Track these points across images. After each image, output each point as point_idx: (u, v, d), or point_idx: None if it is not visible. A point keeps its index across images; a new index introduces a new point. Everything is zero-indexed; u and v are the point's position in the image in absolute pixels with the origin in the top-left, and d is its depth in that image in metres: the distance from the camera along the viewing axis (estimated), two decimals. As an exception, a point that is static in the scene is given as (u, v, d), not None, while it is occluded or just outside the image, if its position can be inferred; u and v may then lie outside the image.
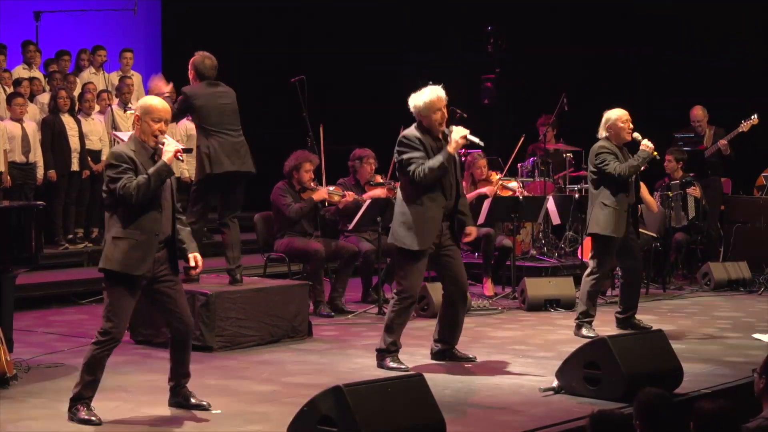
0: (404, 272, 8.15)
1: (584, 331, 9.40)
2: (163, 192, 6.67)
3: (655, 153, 9.50)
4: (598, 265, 9.50)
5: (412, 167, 7.98)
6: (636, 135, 9.49)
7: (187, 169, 12.68)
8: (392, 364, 8.11)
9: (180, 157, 6.67)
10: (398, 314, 8.17)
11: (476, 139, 8.23)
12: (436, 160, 7.96)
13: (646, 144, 9.43)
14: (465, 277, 8.36)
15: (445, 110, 8.12)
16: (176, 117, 9.32)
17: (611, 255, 9.57)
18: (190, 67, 9.31)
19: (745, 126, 13.04)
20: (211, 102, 9.12)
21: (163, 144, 6.64)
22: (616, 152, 9.39)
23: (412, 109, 8.16)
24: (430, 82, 8.25)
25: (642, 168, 9.47)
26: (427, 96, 8.08)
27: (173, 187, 6.81)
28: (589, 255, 9.68)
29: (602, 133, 9.49)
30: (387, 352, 8.18)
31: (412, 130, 8.15)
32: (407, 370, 7.95)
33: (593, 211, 9.46)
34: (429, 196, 8.04)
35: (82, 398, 6.63)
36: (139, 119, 6.70)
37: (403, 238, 8.08)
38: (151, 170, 6.55)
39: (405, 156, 8.06)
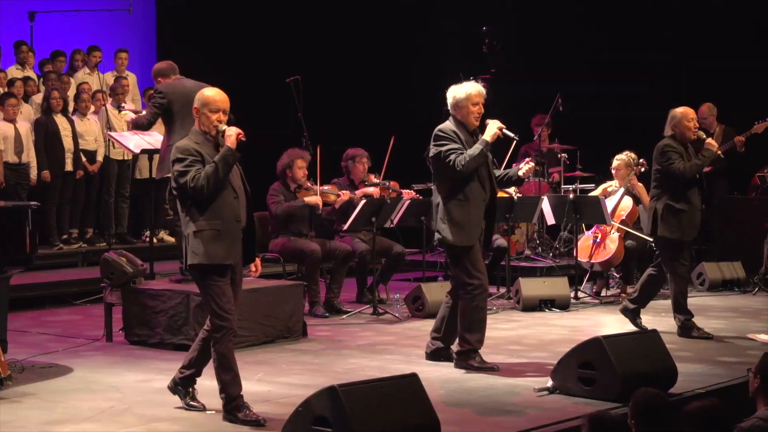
0: (462, 267, 8.08)
1: (695, 332, 9.42)
2: (234, 180, 6.64)
3: (719, 152, 9.50)
4: (672, 270, 9.39)
5: (452, 157, 7.98)
6: (701, 133, 9.48)
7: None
8: (475, 365, 8.07)
9: (243, 139, 6.61)
10: (474, 310, 8.08)
11: (511, 134, 8.27)
12: (476, 149, 7.99)
13: (711, 142, 9.43)
14: None
15: (482, 106, 8.16)
16: (154, 117, 9.42)
17: (684, 258, 9.43)
18: (153, 78, 9.69)
19: (759, 127, 13.03)
20: (186, 100, 9.08)
21: (223, 132, 6.61)
22: (681, 151, 9.31)
23: (450, 101, 8.18)
24: (471, 78, 8.30)
25: (705, 167, 9.44)
26: (468, 88, 8.14)
27: (242, 175, 6.78)
28: (658, 258, 9.56)
29: (668, 131, 9.43)
30: (473, 352, 8.11)
31: (447, 124, 8.16)
32: (496, 369, 8.00)
33: (662, 213, 9.32)
34: (470, 190, 8.05)
35: (233, 399, 6.59)
36: (198, 112, 6.69)
37: (450, 235, 8.06)
38: (217, 157, 6.51)
39: (444, 148, 8.04)
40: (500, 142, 8.32)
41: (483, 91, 8.20)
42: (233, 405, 6.59)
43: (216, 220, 6.54)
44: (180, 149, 6.62)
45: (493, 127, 8.09)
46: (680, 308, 9.50)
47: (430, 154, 8.19)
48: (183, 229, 6.73)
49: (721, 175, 13.55)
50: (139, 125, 9.82)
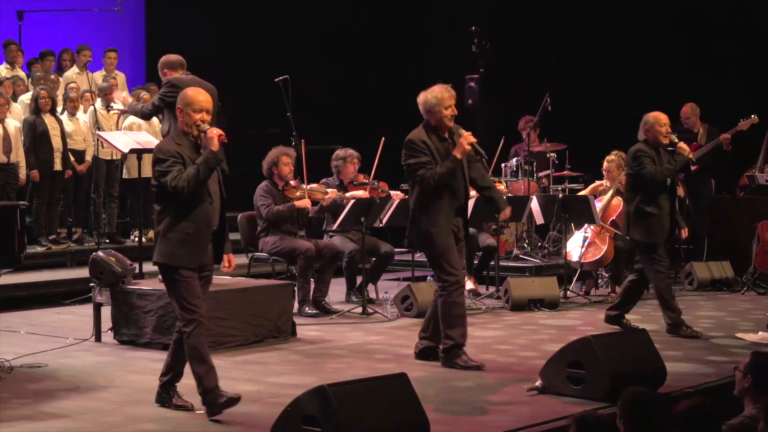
0: (437, 264, 8.13)
1: (683, 330, 9.46)
2: (211, 184, 6.66)
3: (691, 156, 9.59)
4: (651, 271, 9.47)
5: (421, 172, 8.00)
6: (673, 138, 9.55)
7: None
8: (461, 363, 8.09)
9: (224, 140, 6.63)
10: (452, 306, 8.10)
11: (481, 151, 8.27)
12: (445, 166, 7.99)
13: (683, 147, 9.50)
14: None
15: (454, 108, 8.16)
16: (159, 108, 9.36)
17: (661, 257, 9.48)
18: (159, 70, 9.48)
19: (744, 124, 13.08)
20: None
21: (205, 133, 6.61)
22: (653, 156, 9.41)
23: (421, 106, 8.17)
24: (440, 81, 8.27)
25: (677, 171, 9.58)
26: (438, 92, 8.13)
27: (220, 177, 6.80)
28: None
29: (641, 135, 9.54)
30: (457, 348, 8.13)
31: (417, 133, 8.14)
32: (482, 368, 8.02)
33: (632, 216, 9.47)
34: (439, 199, 8.06)
35: (210, 390, 6.63)
36: (181, 111, 6.70)
37: (419, 239, 8.12)
38: (199, 160, 6.54)
39: (412, 161, 8.07)
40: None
41: (453, 93, 8.20)
42: (210, 397, 6.62)
43: (188, 223, 6.60)
44: (161, 150, 6.65)
45: (464, 142, 8.07)
46: (667, 305, 9.54)
47: (402, 161, 8.22)
48: (155, 226, 6.78)
49: (708, 174, 13.57)
50: (135, 111, 9.86)
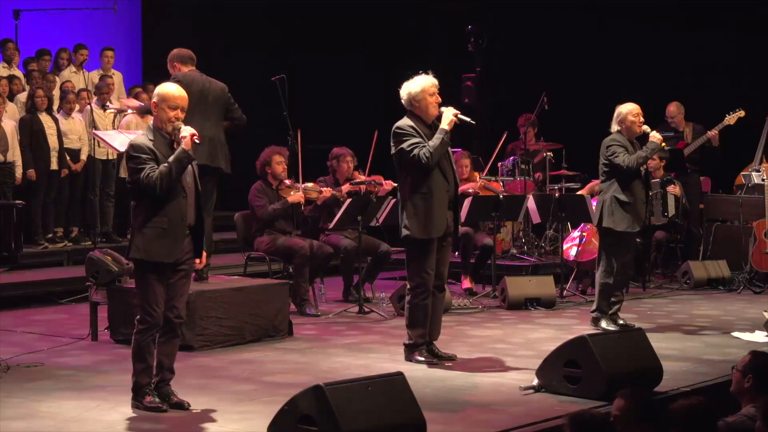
0: (416, 264, 8.19)
1: (603, 324, 9.55)
2: (186, 178, 6.73)
3: (664, 144, 9.72)
4: (610, 259, 9.57)
5: (416, 151, 8.03)
6: (646, 128, 9.62)
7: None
8: (420, 358, 8.19)
9: (197, 141, 6.69)
10: (417, 308, 8.22)
11: (467, 118, 8.31)
12: (437, 139, 8.05)
13: (655, 135, 9.57)
14: (446, 270, 8.42)
15: (438, 96, 8.19)
16: None
17: (628, 250, 9.64)
18: (169, 62, 9.37)
19: (731, 119, 13.11)
20: (193, 88, 9.09)
21: (179, 130, 6.66)
22: (626, 145, 9.52)
23: (404, 97, 8.21)
24: (421, 72, 8.28)
25: (650, 159, 9.65)
26: (422, 81, 8.17)
27: (196, 173, 6.87)
28: (599, 250, 9.73)
29: (614, 127, 9.66)
30: (415, 347, 8.25)
31: (404, 121, 8.20)
32: (436, 364, 8.12)
33: (605, 205, 9.56)
34: (433, 182, 8.10)
35: (141, 387, 6.76)
36: (156, 107, 6.75)
37: (415, 228, 8.13)
38: (171, 158, 6.60)
39: (404, 144, 8.10)
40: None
41: (436, 81, 8.23)
42: (139, 391, 6.77)
43: (162, 218, 6.68)
44: (134, 147, 6.71)
45: (449, 114, 8.16)
46: (604, 296, 9.63)
47: (392, 152, 8.24)
48: (132, 221, 6.87)
49: (697, 172, 13.59)
50: (144, 111, 9.89)
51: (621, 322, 9.66)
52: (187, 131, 6.66)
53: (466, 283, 11.75)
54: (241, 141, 10.68)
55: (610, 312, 9.66)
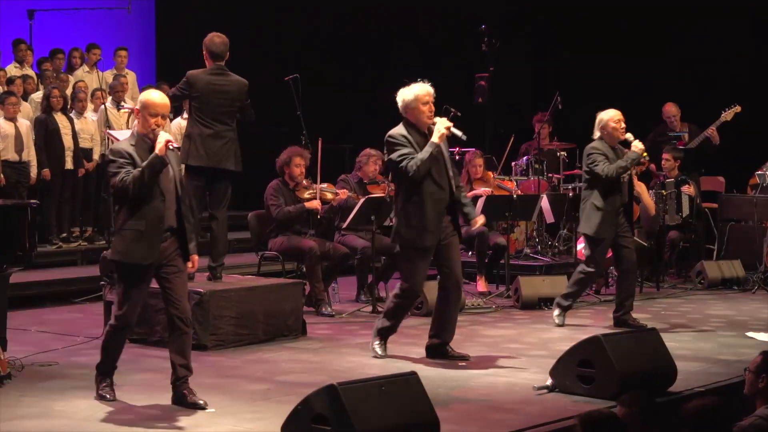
0: (408, 270, 8.26)
1: (555, 313, 9.87)
2: (164, 181, 6.81)
3: (645, 154, 9.71)
4: (589, 263, 9.80)
5: (403, 163, 8.09)
6: (628, 135, 9.65)
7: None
8: (377, 348, 8.37)
9: (171, 147, 6.80)
10: (398, 307, 8.38)
11: (459, 133, 8.30)
12: (425, 152, 8.08)
13: (636, 145, 9.61)
14: (460, 270, 8.42)
15: (432, 105, 8.24)
16: (176, 99, 9.34)
17: (602, 255, 9.83)
18: (204, 46, 9.31)
19: (727, 115, 13.10)
20: (207, 90, 9.10)
21: (156, 137, 6.76)
22: (606, 153, 9.60)
23: (400, 104, 8.27)
24: (419, 80, 8.31)
25: (630, 168, 9.68)
26: (416, 90, 8.22)
27: (177, 177, 6.95)
28: (582, 252, 9.92)
29: (596, 133, 9.72)
30: (378, 335, 8.43)
31: (397, 129, 8.26)
32: (381, 358, 8.29)
33: (585, 211, 9.71)
34: (425, 191, 8.12)
35: (98, 374, 7.03)
36: (139, 113, 6.88)
37: (405, 235, 8.19)
38: (144, 163, 6.71)
39: (394, 154, 8.18)
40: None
41: (431, 90, 8.27)
42: (101, 379, 7.03)
43: (140, 221, 6.79)
44: (113, 151, 6.88)
45: (441, 127, 8.16)
46: (568, 295, 9.88)
47: (385, 159, 8.30)
48: (113, 224, 6.98)
49: (697, 172, 13.58)
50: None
51: (633, 321, 9.67)
52: (162, 138, 6.75)
53: (482, 286, 11.72)
54: (256, 141, 10.69)
55: (568, 308, 9.91)
